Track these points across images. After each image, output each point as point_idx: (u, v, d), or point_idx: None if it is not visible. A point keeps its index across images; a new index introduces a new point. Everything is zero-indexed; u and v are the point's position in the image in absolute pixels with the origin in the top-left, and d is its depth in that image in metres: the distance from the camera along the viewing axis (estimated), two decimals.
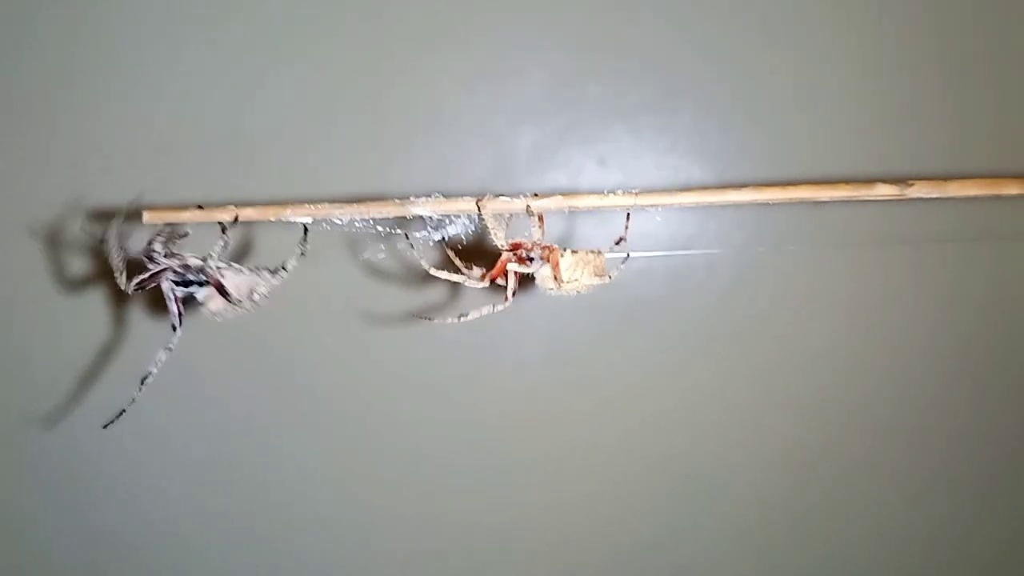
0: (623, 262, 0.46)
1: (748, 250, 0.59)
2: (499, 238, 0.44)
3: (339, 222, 0.44)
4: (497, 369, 0.62)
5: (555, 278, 0.44)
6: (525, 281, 0.45)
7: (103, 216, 0.54)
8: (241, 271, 0.44)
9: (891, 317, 0.61)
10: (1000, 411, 0.63)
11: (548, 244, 0.45)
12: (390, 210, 0.44)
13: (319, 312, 0.59)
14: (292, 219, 0.44)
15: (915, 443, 0.64)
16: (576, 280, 0.44)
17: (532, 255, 0.45)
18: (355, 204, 0.44)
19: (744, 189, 0.41)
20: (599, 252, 0.45)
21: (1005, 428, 0.63)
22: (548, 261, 0.44)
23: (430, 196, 0.44)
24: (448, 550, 0.64)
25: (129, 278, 0.42)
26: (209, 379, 0.60)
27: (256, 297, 0.44)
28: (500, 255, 0.45)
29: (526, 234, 0.45)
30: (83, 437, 0.60)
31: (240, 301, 0.43)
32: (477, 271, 0.46)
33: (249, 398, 0.61)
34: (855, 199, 0.41)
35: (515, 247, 0.45)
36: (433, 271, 0.45)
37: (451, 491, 0.62)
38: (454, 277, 0.45)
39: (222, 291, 0.43)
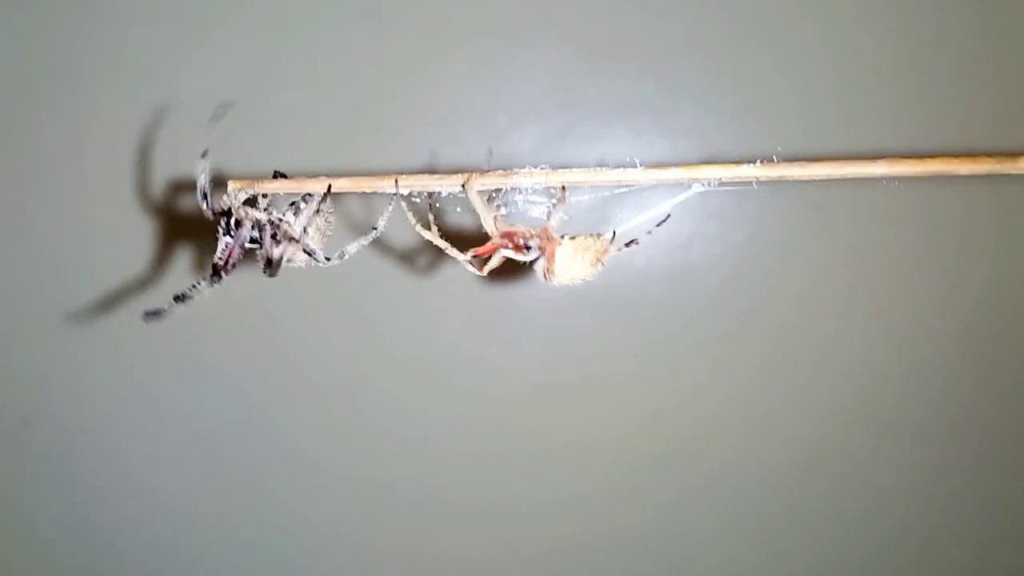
0: (627, 244, 0.39)
1: (748, 247, 0.57)
2: (488, 224, 0.39)
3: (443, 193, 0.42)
4: (496, 368, 0.60)
5: (549, 270, 0.38)
6: (525, 274, 0.42)
7: (187, 187, 0.52)
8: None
9: (892, 313, 0.60)
10: (1004, 406, 0.62)
11: (547, 231, 0.39)
12: (494, 181, 0.41)
13: (319, 304, 0.57)
14: (388, 191, 0.42)
15: (918, 440, 0.63)
16: (569, 272, 0.39)
17: (530, 243, 0.39)
18: (456, 175, 0.41)
19: (879, 161, 0.39)
20: (599, 236, 0.39)
21: (1009, 424, 0.62)
22: (545, 252, 0.39)
23: (537, 167, 0.41)
24: (448, 546, 0.64)
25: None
26: (213, 368, 0.59)
27: (346, 255, 0.41)
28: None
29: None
30: (82, 430, 0.59)
31: (327, 259, 0.41)
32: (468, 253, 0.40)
33: (252, 390, 0.59)
34: (996, 172, 0.39)
35: (509, 235, 0.39)
36: (420, 229, 0.40)
37: (450, 489, 0.62)
38: (441, 243, 0.40)
39: (307, 251, 0.41)
